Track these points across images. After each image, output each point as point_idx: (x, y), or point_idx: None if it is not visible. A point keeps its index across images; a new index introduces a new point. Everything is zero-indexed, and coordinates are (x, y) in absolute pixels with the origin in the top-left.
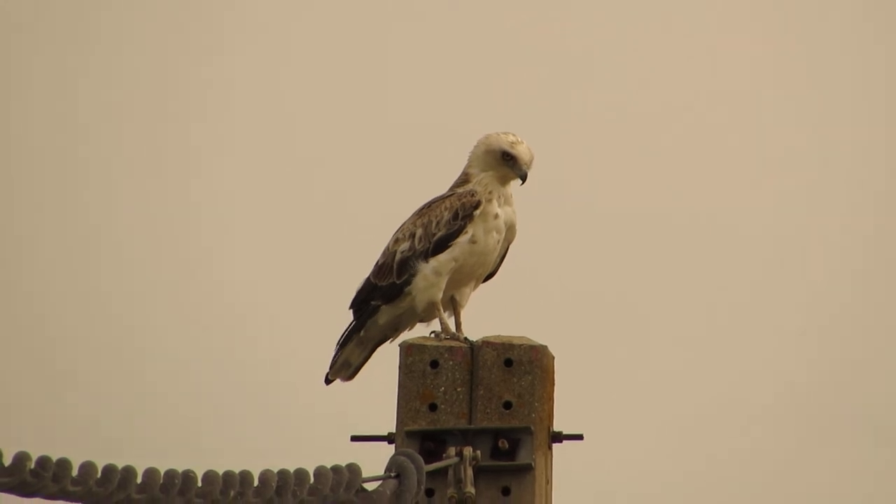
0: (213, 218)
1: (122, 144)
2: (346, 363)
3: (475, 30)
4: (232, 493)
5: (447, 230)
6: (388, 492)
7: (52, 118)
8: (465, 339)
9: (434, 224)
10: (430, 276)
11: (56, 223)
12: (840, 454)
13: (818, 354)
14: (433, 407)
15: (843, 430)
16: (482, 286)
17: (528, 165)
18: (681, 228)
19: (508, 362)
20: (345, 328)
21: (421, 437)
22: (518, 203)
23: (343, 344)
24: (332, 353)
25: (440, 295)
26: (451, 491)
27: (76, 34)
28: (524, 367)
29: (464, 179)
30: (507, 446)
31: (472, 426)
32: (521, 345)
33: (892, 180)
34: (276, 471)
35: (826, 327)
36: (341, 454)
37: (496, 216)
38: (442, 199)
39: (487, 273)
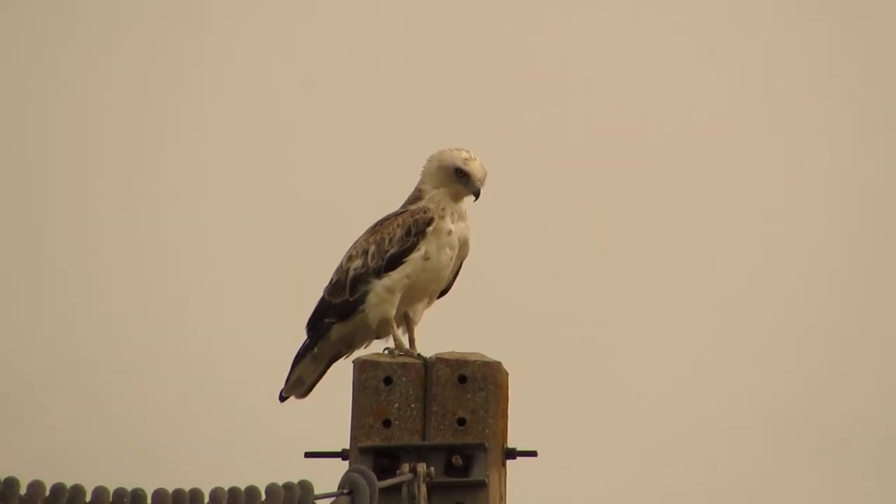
0: (167, 237)
1: (89, 155)
2: (299, 380)
3: (435, 44)
4: None
5: (400, 247)
6: None
7: (20, 124)
8: (419, 355)
9: (387, 241)
10: (383, 292)
11: (22, 235)
12: (798, 474)
13: (782, 370)
14: (387, 423)
15: (795, 450)
16: (436, 302)
17: (482, 182)
18: (638, 244)
19: (462, 379)
20: (299, 346)
21: (375, 454)
22: (472, 219)
23: (297, 361)
24: (287, 370)
25: (393, 311)
26: None
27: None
28: (478, 383)
29: (417, 196)
30: (460, 463)
31: (426, 442)
32: (475, 361)
33: (874, 191)
34: (226, 489)
35: (794, 343)
36: (295, 471)
37: (449, 232)
38: (395, 215)
39: (441, 289)
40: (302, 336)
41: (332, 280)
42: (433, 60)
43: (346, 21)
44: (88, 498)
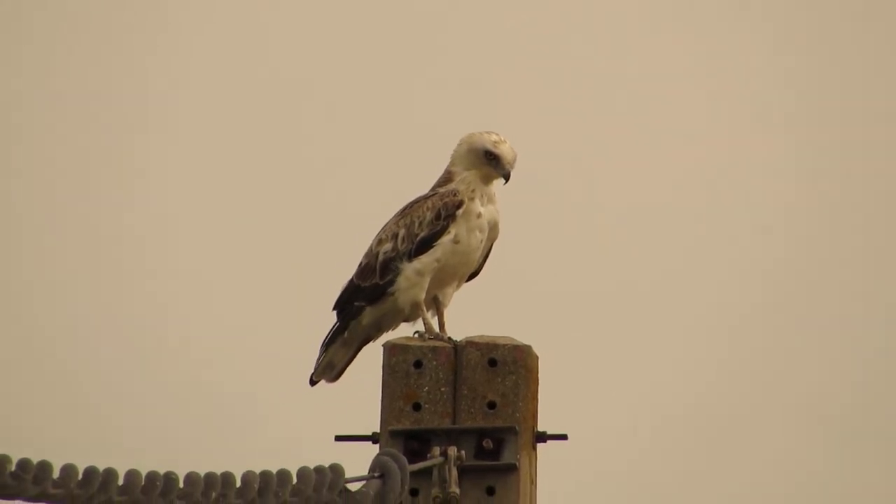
0: (194, 220)
1: (77, 152)
2: (330, 364)
3: (460, 27)
4: (214, 494)
5: (430, 230)
6: (372, 492)
7: None
8: (449, 338)
9: (416, 224)
10: (413, 276)
11: (23, 232)
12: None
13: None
14: (417, 407)
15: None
16: (466, 286)
17: (511, 165)
18: (669, 225)
19: (492, 362)
20: (329, 329)
21: (405, 437)
22: (502, 201)
23: (327, 345)
24: (317, 354)
25: (423, 295)
26: (435, 491)
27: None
28: (508, 366)
29: (446, 178)
30: (491, 446)
31: (457, 426)
32: (505, 345)
33: (805, 180)
34: (258, 472)
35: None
36: (325, 454)
37: (479, 215)
38: (424, 198)
39: (471, 272)
40: (332, 319)
41: (361, 263)
42: (458, 41)
43: (372, 2)
44: (121, 481)
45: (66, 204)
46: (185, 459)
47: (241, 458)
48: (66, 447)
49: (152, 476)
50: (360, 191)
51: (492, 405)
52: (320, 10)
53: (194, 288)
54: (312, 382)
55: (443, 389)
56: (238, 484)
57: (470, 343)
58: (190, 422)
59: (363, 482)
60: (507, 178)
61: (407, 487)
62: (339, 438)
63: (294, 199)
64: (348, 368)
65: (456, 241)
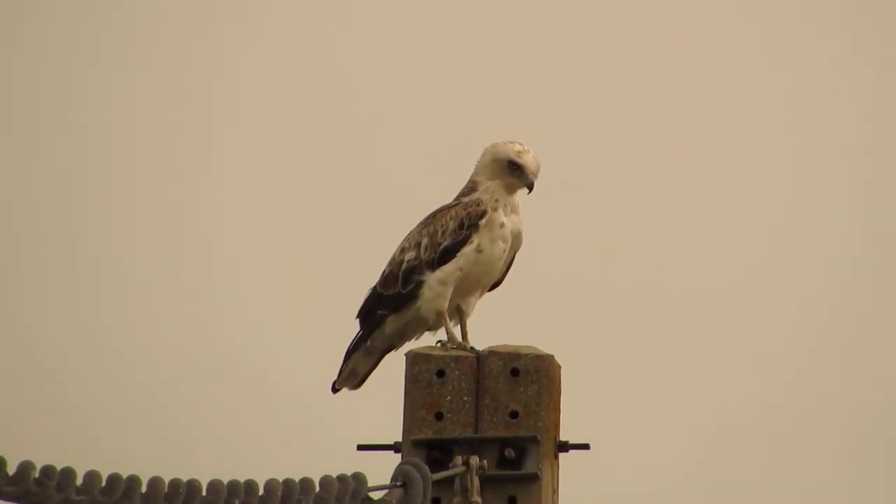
0: (220, 224)
1: (120, 151)
2: (353, 372)
3: (483, 31)
4: (236, 502)
5: (453, 239)
6: (394, 501)
7: (52, 120)
8: (472, 348)
9: (440, 233)
10: (436, 285)
11: (53, 230)
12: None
13: (825, 358)
14: (439, 416)
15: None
16: (488, 295)
17: (535, 175)
18: (693, 233)
19: (515, 372)
20: (352, 337)
21: (427, 447)
22: (525, 211)
23: (350, 353)
24: (340, 362)
25: (446, 304)
26: (457, 500)
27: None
28: (530, 376)
29: (470, 188)
30: (513, 455)
31: (479, 435)
32: (527, 354)
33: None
34: (281, 480)
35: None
36: (347, 463)
37: (502, 225)
38: (448, 208)
39: (493, 282)
40: (353, 328)
41: (384, 272)
42: (482, 47)
43: (382, 16)
44: (144, 489)
45: (125, 217)
46: (207, 468)
47: (263, 467)
48: (132, 455)
49: (175, 483)
50: (388, 199)
51: (514, 415)
52: (357, 16)
53: (217, 290)
54: (335, 390)
55: (465, 399)
56: (261, 492)
57: (492, 352)
58: (213, 431)
59: (385, 491)
60: (530, 188)
61: (429, 496)
62: (361, 448)
63: (318, 206)
64: (370, 377)
65: (479, 251)
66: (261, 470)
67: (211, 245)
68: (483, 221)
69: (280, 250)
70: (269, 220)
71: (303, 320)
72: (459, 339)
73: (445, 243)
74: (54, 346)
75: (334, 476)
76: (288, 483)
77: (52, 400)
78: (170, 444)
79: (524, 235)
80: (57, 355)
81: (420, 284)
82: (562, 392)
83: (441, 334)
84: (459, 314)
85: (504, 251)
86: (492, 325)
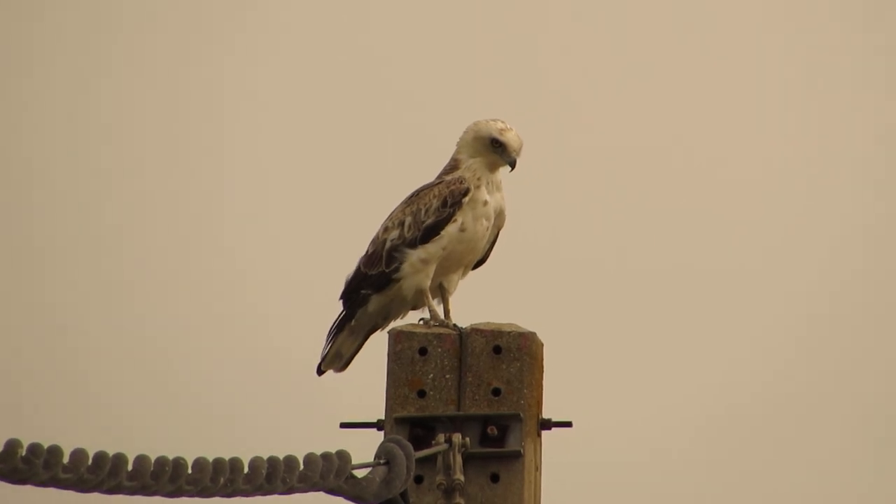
0: (203, 210)
1: (129, 143)
2: (338, 353)
3: (466, 19)
4: (222, 479)
5: (436, 218)
6: (378, 478)
7: (63, 118)
8: (454, 325)
9: (423, 212)
10: (418, 263)
11: (71, 218)
12: (831, 446)
13: (814, 347)
14: (422, 394)
15: (833, 422)
16: (471, 273)
17: (518, 152)
18: (677, 214)
19: (497, 349)
20: (335, 318)
21: (410, 424)
22: (508, 189)
23: (334, 334)
24: (324, 343)
25: (428, 282)
26: (439, 478)
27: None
28: (513, 353)
29: (452, 166)
30: (495, 433)
31: (461, 413)
32: (510, 332)
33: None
34: (265, 458)
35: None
36: (331, 441)
37: (485, 203)
38: (430, 186)
39: (477, 260)
40: (338, 309)
41: (367, 251)
42: (470, 31)
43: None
44: (130, 466)
45: (146, 215)
46: (193, 446)
47: (247, 445)
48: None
49: (161, 461)
50: (370, 179)
51: (496, 392)
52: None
53: (204, 272)
54: (320, 372)
55: (447, 376)
56: (246, 470)
57: (475, 330)
58: (198, 410)
59: (369, 469)
60: (512, 165)
61: (412, 474)
62: (344, 425)
63: (302, 189)
64: (355, 358)
65: (462, 229)
66: (246, 448)
67: (194, 225)
68: (466, 199)
69: (264, 231)
70: (258, 203)
71: (289, 301)
72: (442, 316)
73: (428, 222)
74: (66, 325)
75: (318, 454)
76: (272, 461)
77: (58, 382)
78: (160, 422)
79: (507, 213)
80: (66, 333)
81: (402, 263)
82: (544, 370)
83: (424, 312)
84: (442, 292)
85: (487, 229)
86: (475, 302)
